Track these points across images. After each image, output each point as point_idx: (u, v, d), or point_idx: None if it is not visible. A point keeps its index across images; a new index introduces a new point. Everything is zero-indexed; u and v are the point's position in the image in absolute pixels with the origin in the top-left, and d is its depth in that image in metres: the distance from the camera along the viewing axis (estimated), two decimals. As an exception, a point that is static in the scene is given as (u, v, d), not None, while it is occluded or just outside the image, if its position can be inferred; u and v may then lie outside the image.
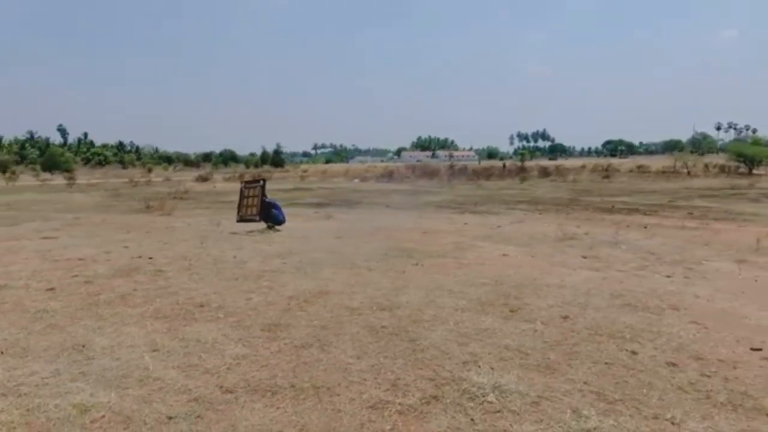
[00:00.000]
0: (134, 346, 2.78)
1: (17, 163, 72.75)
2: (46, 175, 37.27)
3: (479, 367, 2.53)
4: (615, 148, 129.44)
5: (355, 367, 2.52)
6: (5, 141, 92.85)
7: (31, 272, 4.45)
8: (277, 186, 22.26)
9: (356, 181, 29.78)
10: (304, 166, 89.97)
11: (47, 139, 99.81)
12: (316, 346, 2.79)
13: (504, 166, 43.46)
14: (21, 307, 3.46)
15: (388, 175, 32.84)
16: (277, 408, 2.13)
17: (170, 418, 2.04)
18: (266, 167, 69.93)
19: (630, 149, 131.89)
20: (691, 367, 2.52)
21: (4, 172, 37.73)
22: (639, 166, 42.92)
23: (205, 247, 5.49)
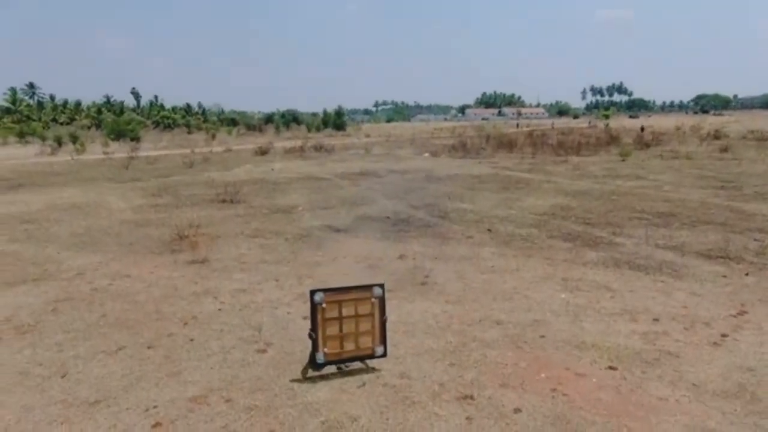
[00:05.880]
0: None
1: (97, 126, 75.02)
2: (114, 146, 36.79)
3: None
4: (707, 104, 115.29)
5: None
6: (84, 106, 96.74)
7: None
8: (340, 167, 19.71)
9: (426, 155, 26.75)
10: (366, 127, 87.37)
11: (122, 103, 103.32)
12: None
13: (642, 129, 40.97)
14: None
15: (461, 147, 29.41)
16: None
17: None
18: (328, 131, 67.70)
19: (725, 105, 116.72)
20: None
21: (74, 142, 37.82)
22: (752, 132, 36.47)
23: None
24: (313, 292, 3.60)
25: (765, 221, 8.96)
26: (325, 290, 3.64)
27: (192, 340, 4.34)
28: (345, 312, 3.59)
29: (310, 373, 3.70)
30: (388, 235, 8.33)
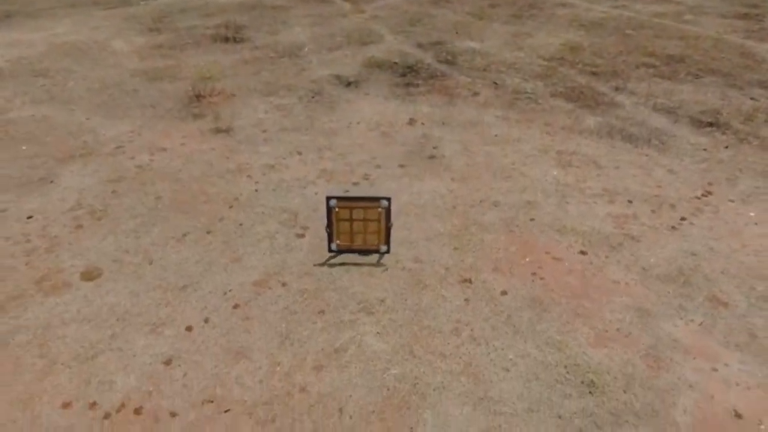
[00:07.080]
0: None
1: None
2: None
3: None
4: None
5: None
6: None
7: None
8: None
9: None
10: None
11: None
12: None
13: None
14: None
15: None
16: None
17: None
18: None
19: None
20: None
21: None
22: None
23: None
24: (328, 198, 4.38)
25: (770, 70, 9.07)
26: (338, 198, 4.41)
27: (241, 224, 5.24)
28: (355, 216, 4.41)
29: (333, 259, 4.70)
30: (397, 92, 8.60)
